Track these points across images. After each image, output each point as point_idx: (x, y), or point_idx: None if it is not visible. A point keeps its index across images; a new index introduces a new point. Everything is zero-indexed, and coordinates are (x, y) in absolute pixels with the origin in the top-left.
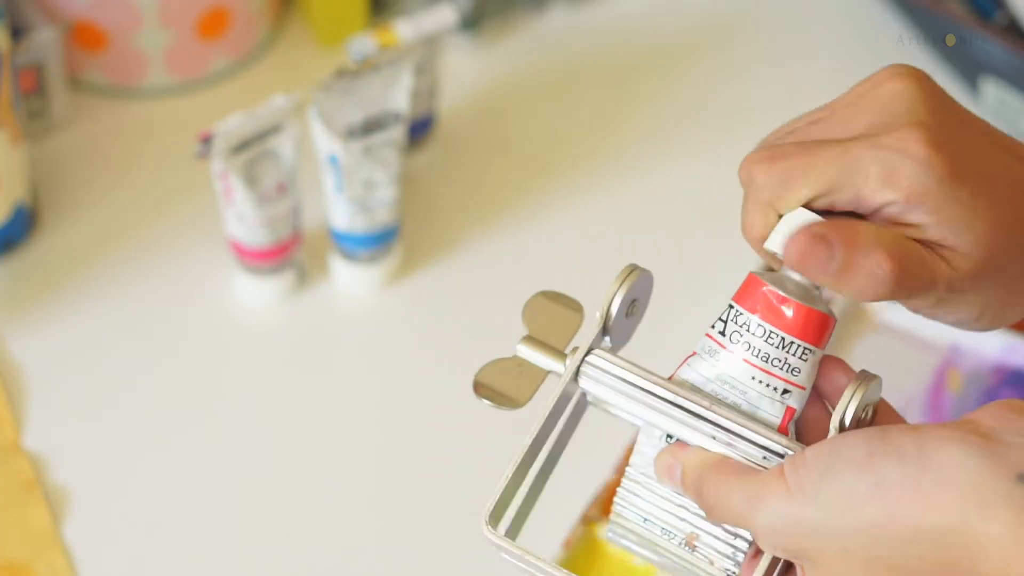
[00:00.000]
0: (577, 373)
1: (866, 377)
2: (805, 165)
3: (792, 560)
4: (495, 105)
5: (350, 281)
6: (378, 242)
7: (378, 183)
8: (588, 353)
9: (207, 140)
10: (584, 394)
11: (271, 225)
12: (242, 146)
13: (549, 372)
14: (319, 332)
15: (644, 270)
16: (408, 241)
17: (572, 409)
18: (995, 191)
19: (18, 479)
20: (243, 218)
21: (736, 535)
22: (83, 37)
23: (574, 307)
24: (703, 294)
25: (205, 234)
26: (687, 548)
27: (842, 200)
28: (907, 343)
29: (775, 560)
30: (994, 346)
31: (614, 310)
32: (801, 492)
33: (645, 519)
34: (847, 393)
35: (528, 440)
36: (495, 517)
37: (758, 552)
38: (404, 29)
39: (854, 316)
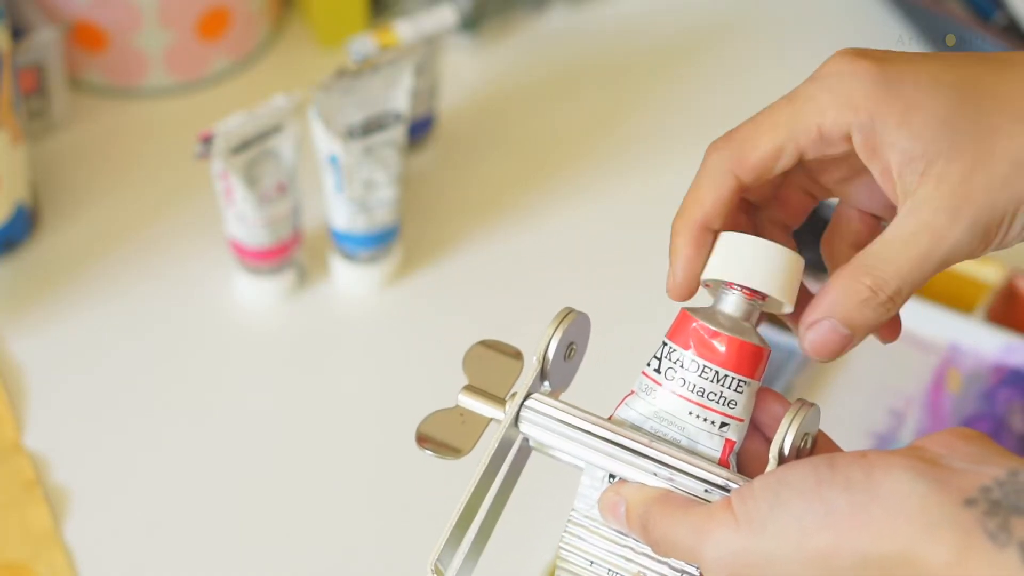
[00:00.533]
0: (517, 418)
1: (803, 405)
2: (758, 121)
3: None
4: (495, 105)
5: (350, 281)
6: (378, 242)
7: (378, 183)
8: (526, 398)
9: (207, 140)
10: (526, 439)
11: (271, 225)
12: (242, 146)
13: (491, 419)
14: (319, 332)
15: (580, 313)
16: (408, 241)
17: (515, 455)
18: (934, 93)
19: (19, 479)
20: (243, 218)
21: (682, 571)
22: (83, 37)
23: (513, 354)
24: (702, 290)
25: (205, 234)
26: None
27: (807, 141)
28: (907, 343)
29: None
30: (994, 346)
31: (550, 354)
32: (749, 523)
33: (591, 562)
34: (785, 421)
35: (470, 489)
36: (441, 567)
37: None
38: (404, 29)
39: None
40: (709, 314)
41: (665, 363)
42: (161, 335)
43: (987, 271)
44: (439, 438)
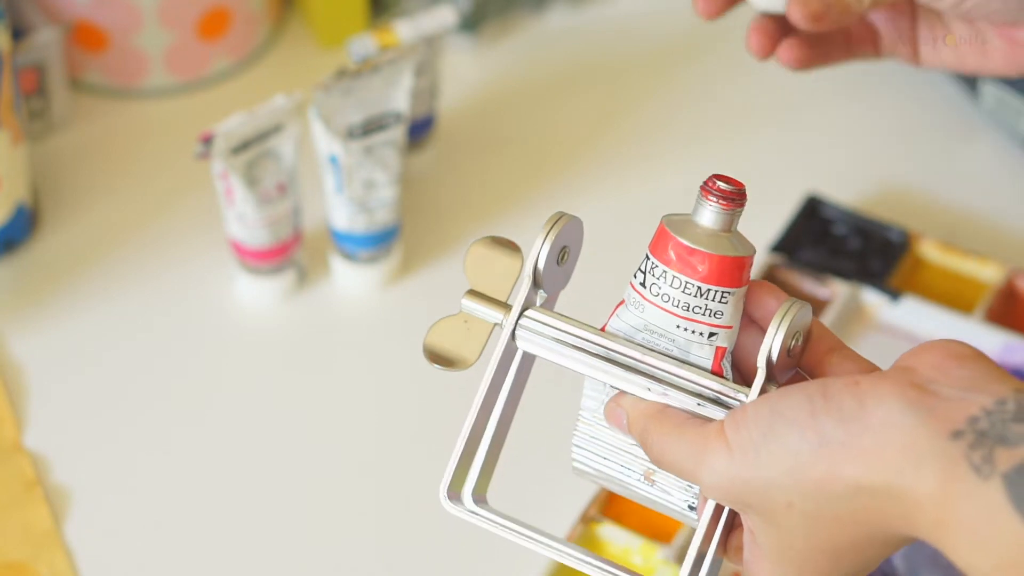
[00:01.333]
0: (513, 334)
1: (791, 306)
2: None
3: (738, 511)
4: (495, 105)
5: (350, 281)
6: (378, 242)
7: (378, 183)
8: (520, 316)
9: (208, 140)
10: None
11: (271, 225)
12: (242, 146)
13: (495, 324)
14: (319, 332)
15: (572, 216)
16: (408, 241)
17: (520, 361)
18: None
19: (19, 479)
20: (243, 218)
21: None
22: (83, 37)
23: (513, 250)
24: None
25: (205, 234)
26: (646, 482)
27: None
28: (907, 343)
29: (721, 506)
30: (994, 346)
31: (541, 264)
32: (743, 452)
33: (604, 458)
34: (771, 329)
35: (475, 409)
36: (454, 488)
37: None
38: (404, 29)
39: (854, 316)
40: (687, 227)
41: (649, 278)
42: (161, 335)
43: (987, 271)
44: (445, 350)
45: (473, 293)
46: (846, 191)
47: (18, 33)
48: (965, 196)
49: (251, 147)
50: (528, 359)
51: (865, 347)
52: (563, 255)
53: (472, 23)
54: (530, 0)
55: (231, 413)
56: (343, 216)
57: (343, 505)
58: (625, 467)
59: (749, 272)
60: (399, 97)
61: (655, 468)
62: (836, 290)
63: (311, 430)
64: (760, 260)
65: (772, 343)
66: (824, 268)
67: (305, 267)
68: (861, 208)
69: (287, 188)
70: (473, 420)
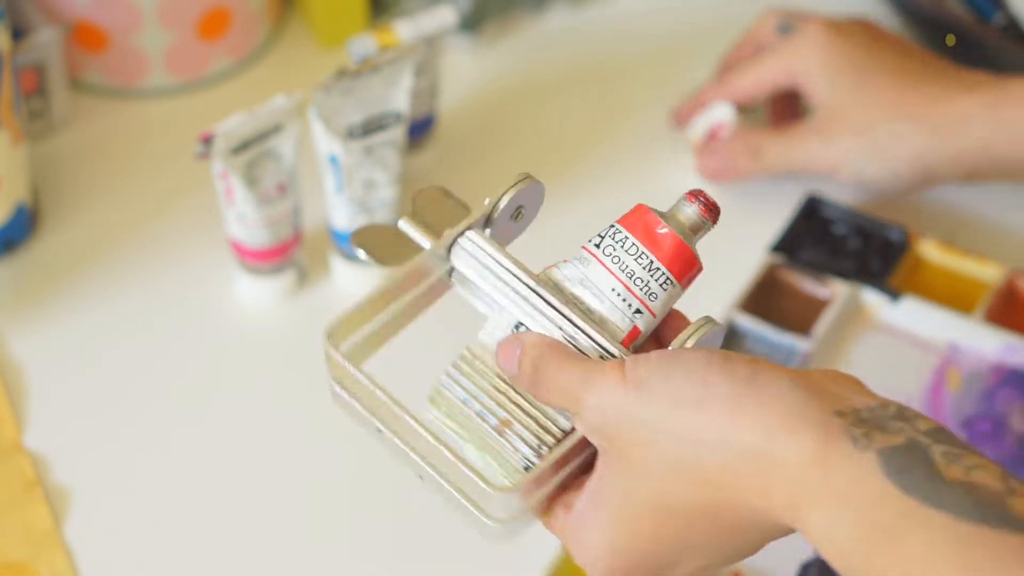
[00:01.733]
0: (451, 248)
1: (708, 321)
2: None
3: (597, 444)
4: (495, 105)
5: (350, 281)
6: None
7: (378, 183)
8: (466, 229)
9: (208, 140)
10: (450, 273)
11: (271, 225)
12: (242, 146)
13: (423, 249)
14: (319, 332)
15: (537, 181)
16: None
17: (434, 282)
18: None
19: (19, 479)
20: (243, 219)
21: (546, 431)
22: (83, 37)
23: (464, 206)
24: (700, 284)
25: (205, 234)
26: (496, 433)
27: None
28: (907, 343)
29: (581, 445)
30: (993, 346)
31: (502, 204)
32: (636, 385)
33: (464, 400)
34: (689, 329)
35: (386, 281)
36: (337, 336)
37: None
38: (404, 29)
39: (854, 316)
40: (663, 214)
41: (607, 241)
42: (161, 335)
43: (987, 271)
44: (372, 246)
45: (414, 215)
46: (846, 191)
47: (18, 33)
48: (965, 196)
49: (251, 147)
50: (441, 287)
51: (865, 347)
52: (518, 213)
53: (472, 23)
54: (530, 0)
55: (231, 413)
56: (343, 216)
57: (343, 505)
58: (483, 412)
59: (690, 282)
60: (399, 97)
61: (513, 420)
62: (836, 290)
63: (311, 430)
64: (760, 260)
65: (687, 340)
66: (824, 268)
67: (305, 267)
68: (861, 208)
69: (287, 188)
70: (375, 290)
